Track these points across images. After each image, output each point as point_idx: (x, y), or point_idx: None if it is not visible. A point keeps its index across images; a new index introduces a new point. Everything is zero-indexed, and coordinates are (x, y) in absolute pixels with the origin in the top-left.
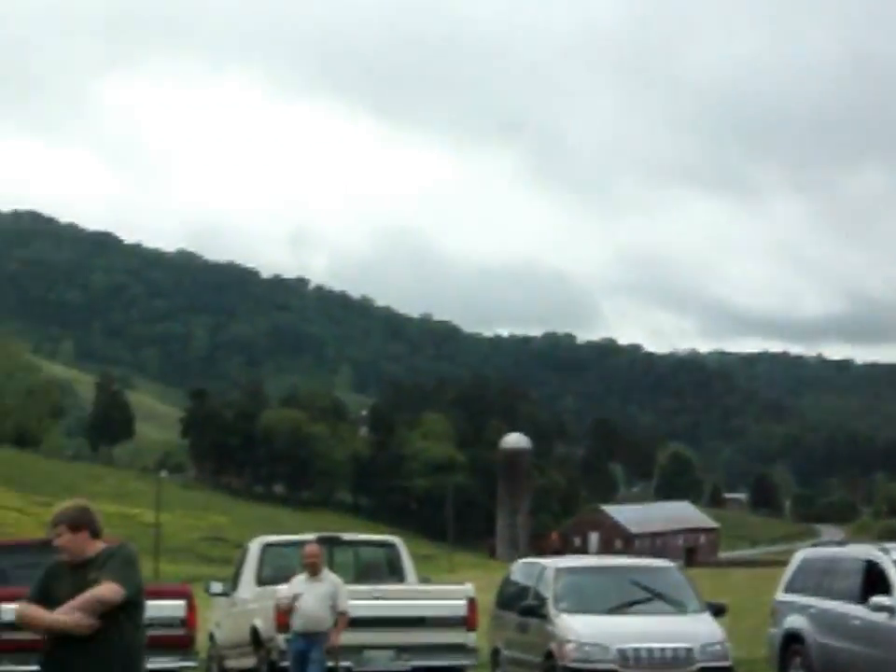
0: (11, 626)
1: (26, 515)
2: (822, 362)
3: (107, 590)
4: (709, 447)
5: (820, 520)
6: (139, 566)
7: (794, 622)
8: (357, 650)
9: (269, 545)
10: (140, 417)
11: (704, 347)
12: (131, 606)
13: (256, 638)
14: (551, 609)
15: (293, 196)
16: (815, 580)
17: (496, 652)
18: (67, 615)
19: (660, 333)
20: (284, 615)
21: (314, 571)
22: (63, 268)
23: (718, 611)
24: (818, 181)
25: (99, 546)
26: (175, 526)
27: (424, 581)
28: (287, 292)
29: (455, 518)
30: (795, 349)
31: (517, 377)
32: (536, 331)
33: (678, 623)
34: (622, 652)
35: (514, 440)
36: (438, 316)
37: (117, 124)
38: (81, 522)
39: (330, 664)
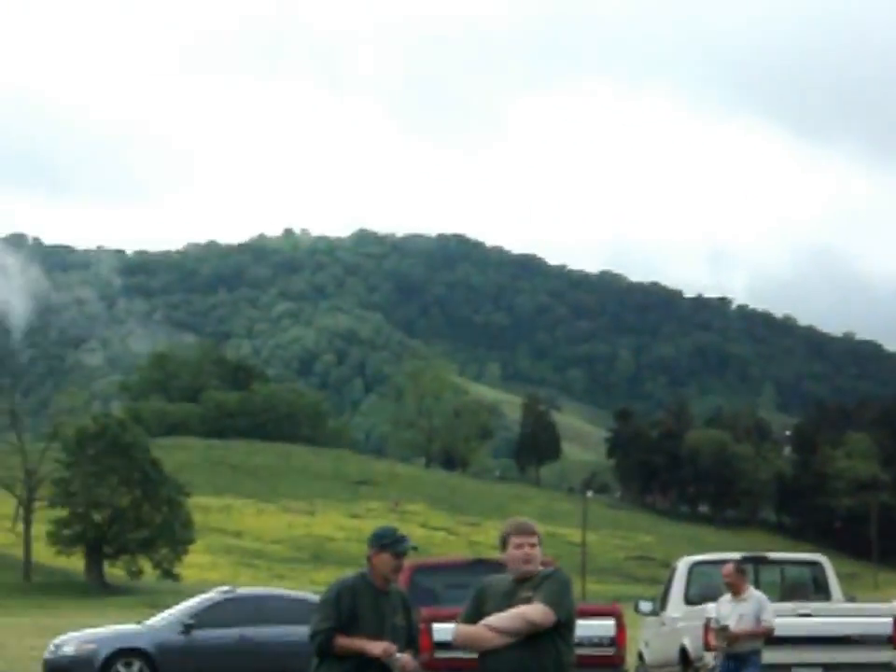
0: (444, 646)
1: (453, 535)
2: None
3: (538, 613)
4: None
5: None
6: (572, 590)
7: None
8: (784, 668)
9: (696, 564)
10: (566, 438)
11: None
12: (564, 628)
13: (684, 658)
14: None
15: (713, 216)
16: None
17: None
18: (491, 628)
19: None
20: (713, 636)
21: (735, 591)
22: (489, 290)
23: None
24: None
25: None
26: (602, 546)
27: (850, 599)
28: (710, 312)
29: (880, 536)
30: None
31: None
32: None
33: None
34: None
35: None
36: (860, 335)
37: (539, 146)
38: (541, 539)
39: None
